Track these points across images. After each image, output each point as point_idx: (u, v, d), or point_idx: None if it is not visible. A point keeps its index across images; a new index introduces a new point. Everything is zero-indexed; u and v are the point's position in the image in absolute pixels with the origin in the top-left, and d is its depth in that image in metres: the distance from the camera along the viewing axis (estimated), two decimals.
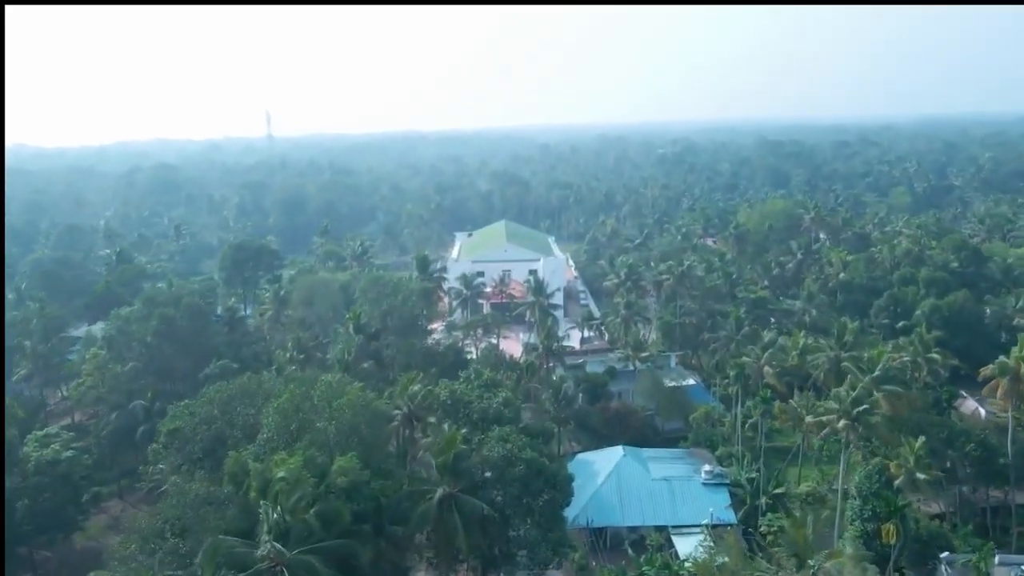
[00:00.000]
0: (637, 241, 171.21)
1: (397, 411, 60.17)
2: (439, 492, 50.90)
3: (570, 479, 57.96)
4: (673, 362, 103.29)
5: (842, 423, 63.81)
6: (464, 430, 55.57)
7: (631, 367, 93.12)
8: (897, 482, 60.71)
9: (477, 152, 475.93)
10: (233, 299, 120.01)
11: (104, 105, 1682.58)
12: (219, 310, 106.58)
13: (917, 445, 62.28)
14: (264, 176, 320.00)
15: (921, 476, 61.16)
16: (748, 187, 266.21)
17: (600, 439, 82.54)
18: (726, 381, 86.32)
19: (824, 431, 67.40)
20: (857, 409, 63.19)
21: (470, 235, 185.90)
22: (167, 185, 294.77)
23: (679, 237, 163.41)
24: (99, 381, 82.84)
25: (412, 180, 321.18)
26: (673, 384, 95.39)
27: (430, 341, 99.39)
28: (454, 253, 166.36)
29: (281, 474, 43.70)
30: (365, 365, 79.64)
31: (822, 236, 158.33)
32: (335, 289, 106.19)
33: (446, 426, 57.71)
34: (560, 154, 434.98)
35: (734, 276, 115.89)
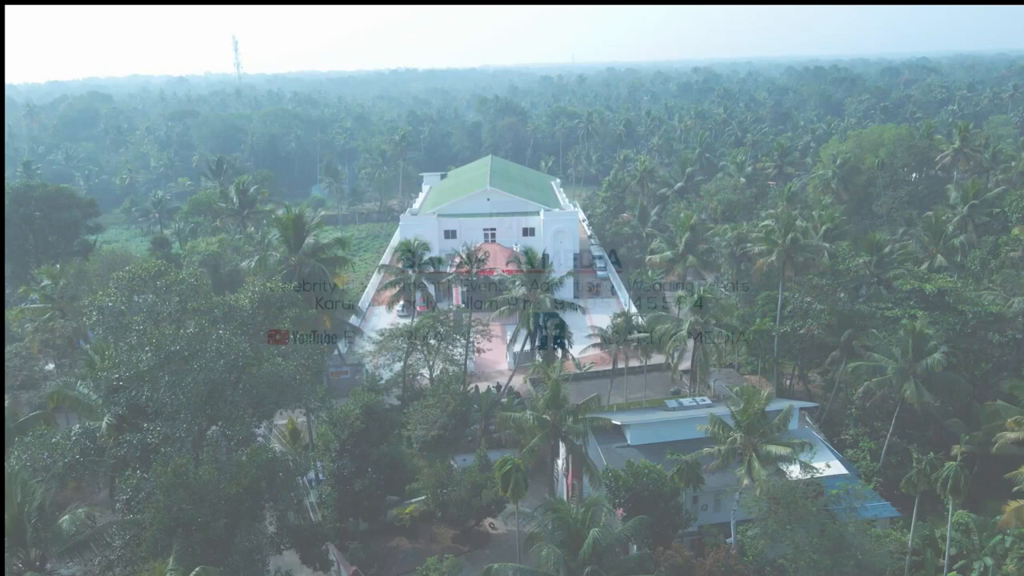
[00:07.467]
0: (678, 185, 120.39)
1: None
2: None
3: None
4: (795, 422, 53.52)
5: None
6: None
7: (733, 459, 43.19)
8: None
9: (471, 87, 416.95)
10: (23, 288, 69.54)
11: (86, 42, 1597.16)
12: None
13: None
14: (213, 108, 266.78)
15: None
16: (800, 117, 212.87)
17: None
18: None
19: None
20: None
21: (443, 177, 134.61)
22: (89, 118, 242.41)
23: (742, 179, 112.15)
24: None
25: (388, 113, 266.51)
26: (807, 477, 46.05)
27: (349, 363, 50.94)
28: (416, 203, 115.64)
29: None
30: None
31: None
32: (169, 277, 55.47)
33: None
34: (564, 85, 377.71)
35: (886, 250, 65.16)
